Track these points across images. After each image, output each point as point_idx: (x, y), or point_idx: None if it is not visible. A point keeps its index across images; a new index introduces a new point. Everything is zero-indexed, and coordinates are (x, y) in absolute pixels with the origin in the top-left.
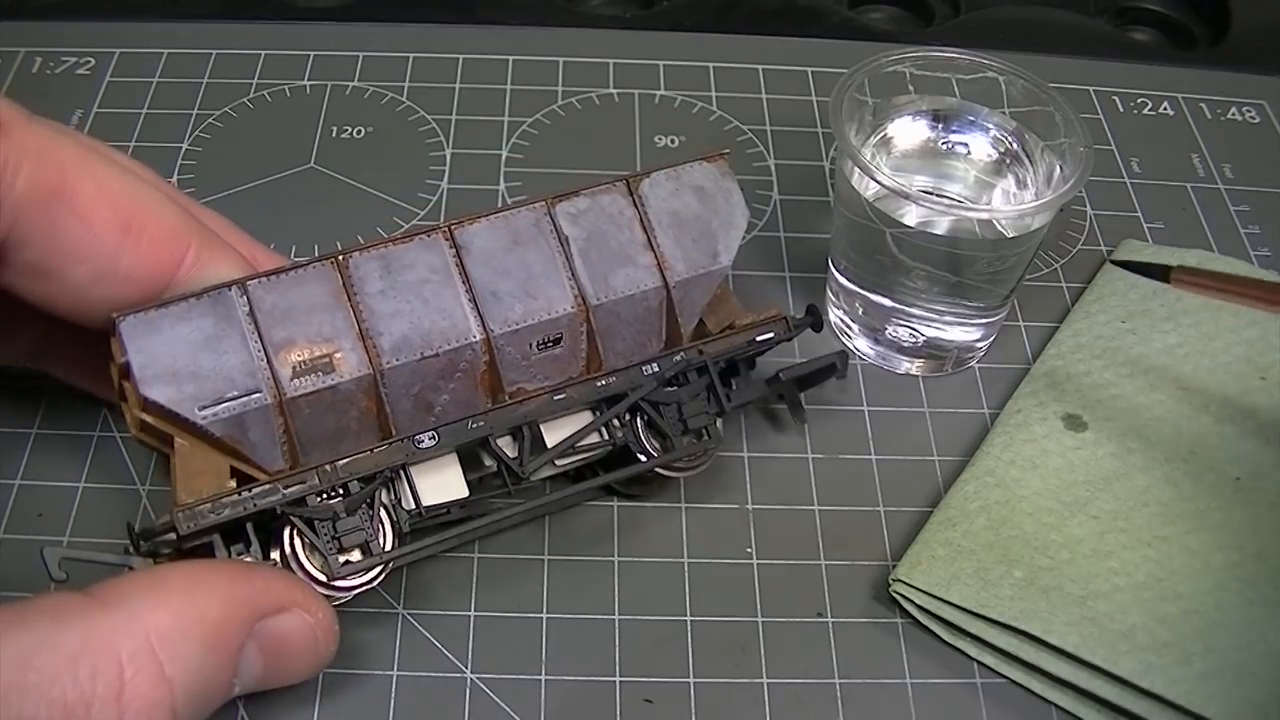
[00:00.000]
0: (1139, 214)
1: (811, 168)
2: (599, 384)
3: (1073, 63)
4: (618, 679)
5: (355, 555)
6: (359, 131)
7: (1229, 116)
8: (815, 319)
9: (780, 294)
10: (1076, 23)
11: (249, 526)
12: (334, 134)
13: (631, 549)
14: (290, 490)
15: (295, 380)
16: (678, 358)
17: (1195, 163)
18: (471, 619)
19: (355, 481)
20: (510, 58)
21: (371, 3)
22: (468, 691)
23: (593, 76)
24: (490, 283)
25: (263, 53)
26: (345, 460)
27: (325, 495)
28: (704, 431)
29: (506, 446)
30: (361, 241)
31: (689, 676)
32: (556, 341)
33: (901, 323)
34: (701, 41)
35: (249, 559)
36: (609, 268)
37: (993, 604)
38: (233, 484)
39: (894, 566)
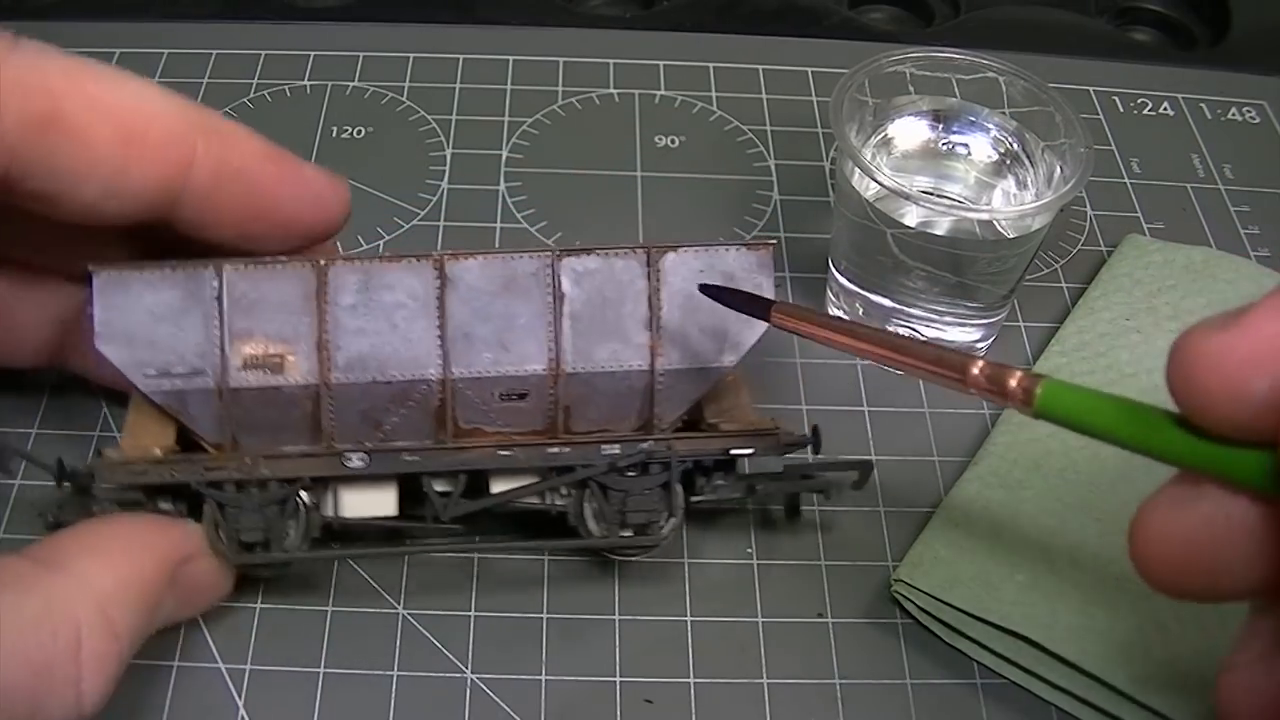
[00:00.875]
0: (1139, 214)
1: (811, 168)
2: (550, 450)
3: (1073, 63)
4: (618, 679)
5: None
6: (359, 131)
7: (1229, 116)
8: (815, 441)
9: (780, 294)
10: (1076, 23)
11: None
12: (334, 134)
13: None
14: (211, 473)
15: (243, 372)
16: (642, 446)
17: (1195, 163)
18: (471, 619)
19: (276, 482)
20: (510, 58)
21: (371, 3)
22: (468, 691)
23: (593, 76)
24: (466, 323)
25: (263, 53)
26: (272, 458)
27: (244, 485)
28: (646, 527)
29: (442, 481)
30: (362, 243)
31: (689, 676)
32: (522, 396)
33: (902, 323)
34: (701, 41)
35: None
36: (597, 338)
37: (995, 607)
38: (158, 450)
39: (895, 567)
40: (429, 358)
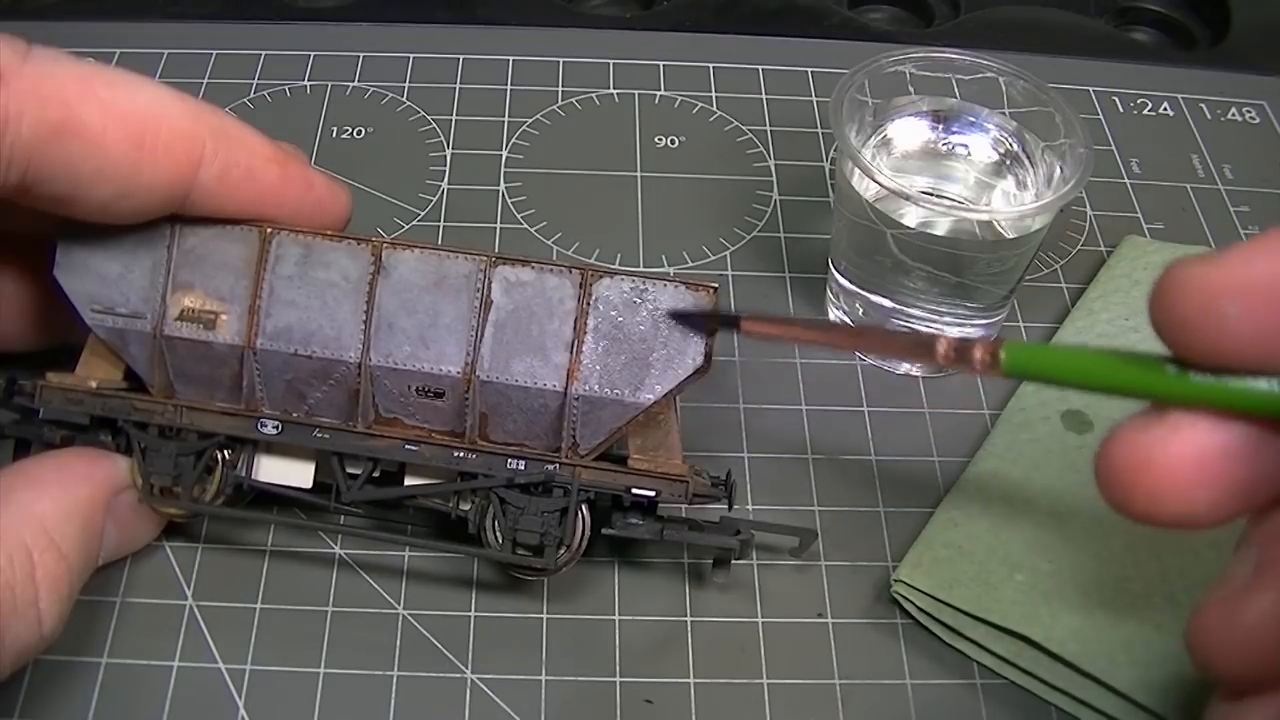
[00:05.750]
0: (1139, 214)
1: (811, 168)
2: (456, 454)
3: (1073, 63)
4: (618, 679)
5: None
6: (359, 131)
7: (1229, 117)
8: (728, 496)
9: (780, 294)
10: (1076, 23)
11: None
12: (334, 134)
13: (632, 549)
14: (137, 413)
15: (177, 323)
16: (547, 467)
17: (1195, 163)
18: (471, 619)
19: (194, 433)
20: (510, 58)
21: (371, 3)
22: (468, 691)
23: (593, 76)
24: (393, 314)
25: (263, 53)
26: (197, 410)
27: (167, 431)
28: (541, 549)
29: (354, 463)
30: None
31: (689, 676)
32: (439, 395)
33: (902, 323)
34: (701, 41)
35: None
36: (516, 351)
37: (994, 607)
38: (94, 382)
39: (894, 567)
40: (350, 340)
